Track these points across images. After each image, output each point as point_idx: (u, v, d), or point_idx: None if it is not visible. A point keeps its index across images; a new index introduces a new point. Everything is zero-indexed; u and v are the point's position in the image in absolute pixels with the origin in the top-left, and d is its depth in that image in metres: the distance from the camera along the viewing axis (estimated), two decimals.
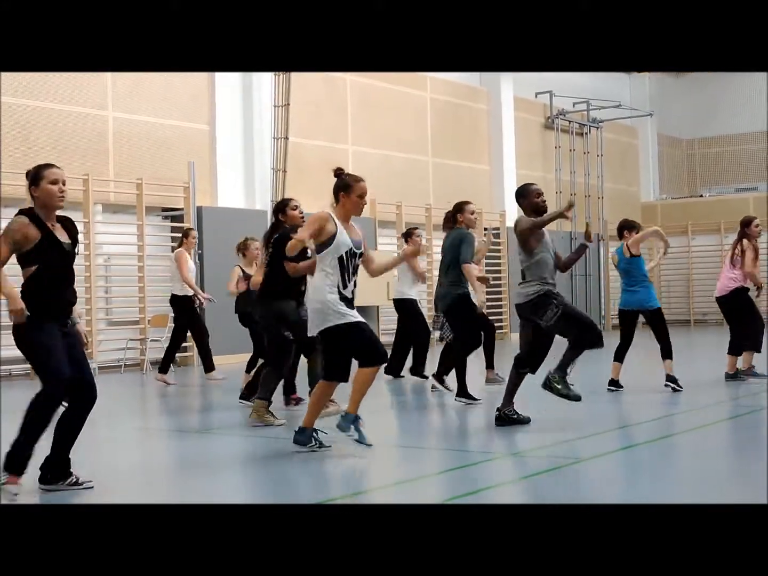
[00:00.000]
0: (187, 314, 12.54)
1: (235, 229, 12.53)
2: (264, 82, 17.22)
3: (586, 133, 25.91)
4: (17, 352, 5.69)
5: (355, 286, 6.71)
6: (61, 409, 5.63)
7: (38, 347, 5.50)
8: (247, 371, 10.69)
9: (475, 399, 9.35)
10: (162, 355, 12.85)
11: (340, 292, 6.57)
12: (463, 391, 9.37)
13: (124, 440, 8.24)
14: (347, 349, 6.65)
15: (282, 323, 8.27)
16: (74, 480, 5.66)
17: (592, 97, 25.76)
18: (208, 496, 5.72)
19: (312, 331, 6.72)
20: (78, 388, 5.66)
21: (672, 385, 10.07)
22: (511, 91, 23.11)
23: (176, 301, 12.52)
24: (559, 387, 7.81)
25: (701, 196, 28.58)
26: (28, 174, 5.66)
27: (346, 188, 6.74)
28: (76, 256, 5.74)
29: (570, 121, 25.37)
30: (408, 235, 11.77)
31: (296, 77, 17.33)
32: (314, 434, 6.86)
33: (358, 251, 6.72)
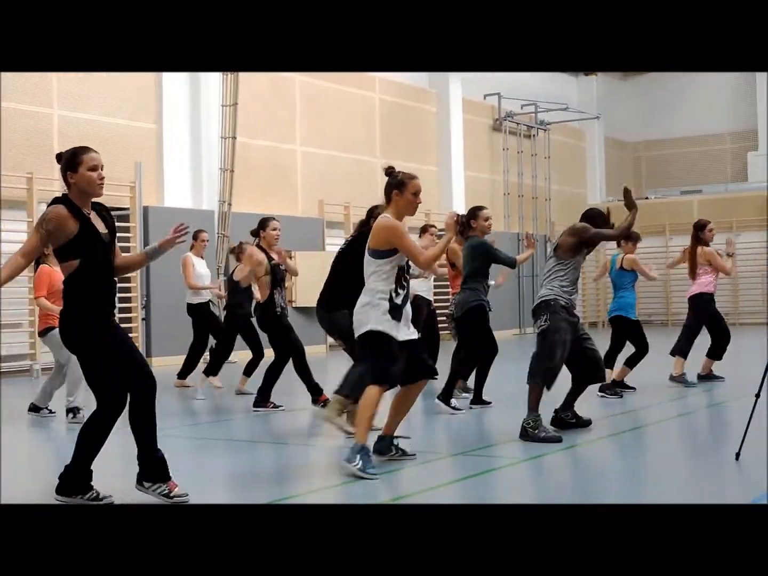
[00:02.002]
0: (206, 321, 11.67)
1: None
2: (212, 80, 17.08)
3: (533, 135, 26.07)
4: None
5: (407, 292, 6.25)
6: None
7: (92, 356, 5.18)
8: (246, 374, 10.70)
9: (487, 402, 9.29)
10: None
11: (392, 300, 6.11)
12: (477, 398, 9.27)
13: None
14: (373, 357, 6.14)
15: (336, 333, 7.75)
16: (94, 495, 5.24)
17: (540, 100, 25.93)
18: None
19: (357, 331, 6.22)
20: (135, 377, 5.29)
21: (607, 392, 9.90)
22: (460, 92, 23.19)
23: (192, 310, 11.66)
24: (536, 432, 7.18)
25: (647, 198, 28.83)
26: (60, 157, 5.25)
27: (400, 186, 6.30)
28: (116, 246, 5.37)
29: (518, 123, 25.51)
30: (424, 230, 11.59)
31: (244, 76, 17.21)
32: (393, 443, 6.49)
33: None
